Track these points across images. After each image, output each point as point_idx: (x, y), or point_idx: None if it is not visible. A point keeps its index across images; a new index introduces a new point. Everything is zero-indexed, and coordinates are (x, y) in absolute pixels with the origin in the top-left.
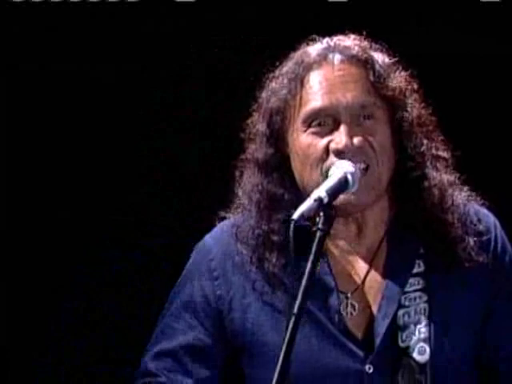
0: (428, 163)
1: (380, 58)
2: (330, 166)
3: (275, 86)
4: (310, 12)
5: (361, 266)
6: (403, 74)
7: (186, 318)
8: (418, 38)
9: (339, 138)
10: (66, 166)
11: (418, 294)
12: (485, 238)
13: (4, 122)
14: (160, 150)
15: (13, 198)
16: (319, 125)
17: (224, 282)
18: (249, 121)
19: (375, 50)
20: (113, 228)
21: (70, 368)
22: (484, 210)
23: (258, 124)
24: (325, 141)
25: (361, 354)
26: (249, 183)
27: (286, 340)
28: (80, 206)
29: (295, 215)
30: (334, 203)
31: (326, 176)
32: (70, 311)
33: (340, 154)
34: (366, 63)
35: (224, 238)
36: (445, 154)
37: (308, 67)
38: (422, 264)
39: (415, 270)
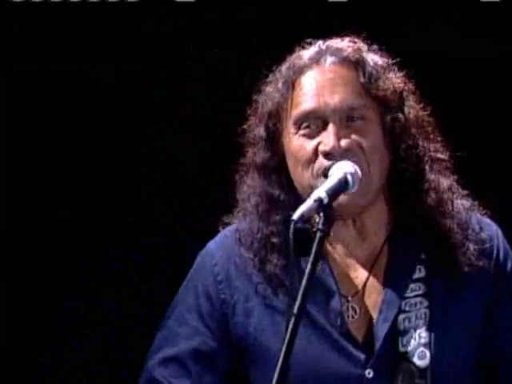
0: (425, 165)
1: (373, 59)
2: (319, 168)
3: (270, 90)
4: (310, 12)
5: (362, 270)
6: (398, 74)
7: (191, 322)
8: (417, 38)
9: (327, 140)
10: (66, 165)
11: (418, 299)
12: (487, 245)
13: (4, 121)
14: (160, 149)
15: (13, 198)
16: (309, 127)
17: (227, 286)
18: (246, 125)
19: (369, 52)
20: (113, 228)
21: (70, 368)
22: (487, 220)
23: (255, 128)
24: (314, 142)
25: (361, 357)
26: (248, 187)
27: (286, 340)
28: (80, 206)
29: (295, 215)
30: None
31: (317, 177)
32: (69, 311)
33: (328, 156)
34: (357, 65)
35: (227, 243)
36: (443, 156)
37: (299, 71)
38: (423, 269)
39: (416, 276)
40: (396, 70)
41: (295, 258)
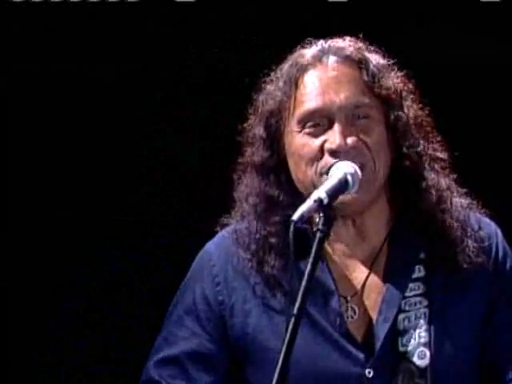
0: (425, 164)
1: (374, 58)
2: (324, 165)
3: (271, 89)
4: (310, 12)
5: (361, 270)
6: (399, 74)
7: (189, 324)
8: (417, 38)
9: (333, 138)
10: (66, 165)
11: (418, 298)
12: (486, 244)
13: (4, 121)
14: (160, 149)
15: (13, 198)
16: (314, 125)
17: (225, 287)
18: (246, 124)
19: (370, 52)
20: (113, 228)
21: (70, 368)
22: (485, 219)
23: (254, 127)
24: (319, 141)
25: (361, 357)
26: (247, 187)
27: (286, 341)
28: (80, 206)
29: (295, 216)
30: (333, 204)
31: (320, 175)
32: (70, 311)
33: (334, 154)
34: (359, 63)
35: (225, 244)
36: (442, 155)
37: (302, 69)
38: (422, 269)
39: (415, 275)
40: (396, 69)
41: (295, 259)
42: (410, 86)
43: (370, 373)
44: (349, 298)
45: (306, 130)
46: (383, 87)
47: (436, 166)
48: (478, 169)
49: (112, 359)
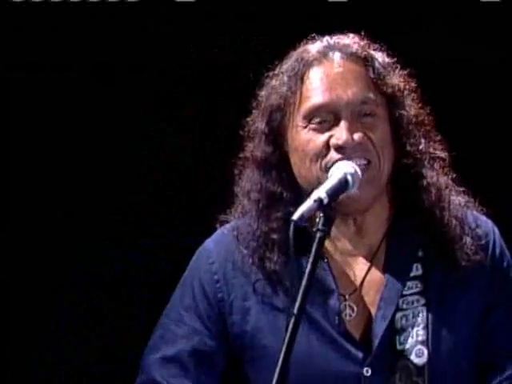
0: (425, 162)
1: (379, 56)
2: (329, 161)
3: (275, 84)
4: (309, 12)
5: (359, 268)
6: (401, 72)
7: (189, 321)
8: (417, 38)
9: (340, 134)
10: (66, 165)
11: (415, 297)
12: (483, 242)
13: (4, 121)
14: (160, 149)
15: (13, 198)
16: (319, 121)
17: (225, 284)
18: (248, 119)
19: (374, 49)
20: (113, 228)
21: (70, 368)
22: (482, 217)
23: (257, 122)
24: (325, 136)
25: (359, 356)
26: (248, 182)
27: (286, 340)
28: (80, 206)
29: (295, 216)
30: (337, 201)
31: (326, 171)
32: (69, 311)
33: (340, 150)
34: (365, 61)
35: (224, 241)
36: (442, 155)
37: (308, 64)
38: (420, 267)
39: (413, 273)
40: (398, 68)
41: (295, 258)
42: (412, 84)
43: (368, 371)
44: (347, 296)
45: (312, 126)
46: (388, 85)
47: (435, 165)
48: (475, 167)
49: (112, 359)
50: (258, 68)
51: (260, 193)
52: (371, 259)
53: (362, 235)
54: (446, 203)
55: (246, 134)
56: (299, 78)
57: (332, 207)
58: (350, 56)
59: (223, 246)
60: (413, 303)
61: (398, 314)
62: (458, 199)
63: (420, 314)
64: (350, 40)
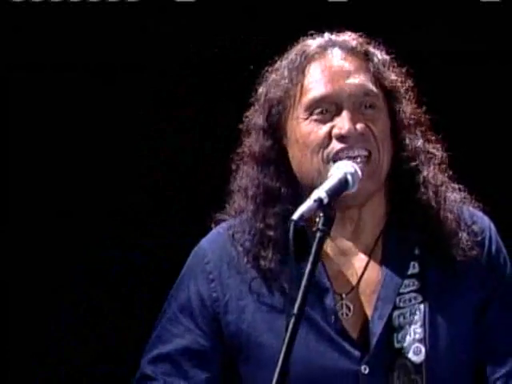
0: (422, 159)
1: (378, 52)
2: (331, 151)
3: (275, 78)
4: (310, 12)
5: (356, 267)
6: (399, 70)
7: (184, 321)
8: (417, 38)
9: (342, 124)
10: (66, 165)
11: (413, 295)
12: (479, 238)
13: (4, 121)
14: (160, 149)
15: (13, 198)
16: (321, 112)
17: (220, 284)
18: (247, 113)
19: (373, 47)
20: (113, 228)
21: (70, 368)
22: (479, 213)
23: (256, 117)
24: (327, 127)
25: (356, 354)
26: (245, 178)
27: (287, 340)
28: (80, 206)
29: (295, 216)
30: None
31: (327, 162)
32: (70, 311)
33: (343, 139)
34: (365, 55)
35: (220, 240)
36: (438, 153)
37: (309, 57)
38: (417, 265)
39: (410, 271)
40: (396, 65)
41: (295, 258)
42: (409, 83)
43: (365, 369)
44: (344, 296)
45: (314, 117)
46: (387, 80)
47: (432, 162)
48: (472, 164)
49: (112, 359)
50: (258, 68)
51: (257, 188)
52: (368, 258)
53: (358, 233)
54: (443, 199)
55: (244, 128)
56: (300, 70)
57: (332, 207)
58: (350, 50)
59: (218, 245)
60: (410, 301)
61: (396, 313)
62: (454, 196)
63: (417, 312)
64: (350, 37)
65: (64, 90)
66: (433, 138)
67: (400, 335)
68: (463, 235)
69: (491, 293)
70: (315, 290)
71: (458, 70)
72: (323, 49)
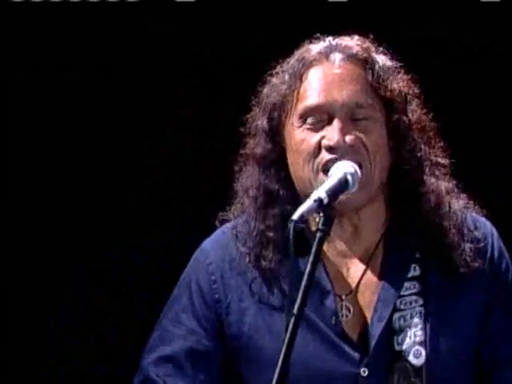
0: (426, 169)
1: (381, 59)
2: (321, 161)
3: (276, 82)
4: (310, 12)
5: (356, 269)
6: (405, 77)
7: (186, 322)
8: (417, 38)
9: (331, 135)
10: (66, 165)
11: (413, 297)
12: (482, 244)
13: (4, 121)
14: (160, 149)
15: (13, 198)
16: (314, 121)
17: (222, 285)
18: (249, 116)
19: (377, 52)
20: (113, 228)
21: (70, 368)
22: (482, 219)
23: (257, 119)
24: (318, 137)
25: (356, 356)
26: (247, 179)
27: (286, 341)
28: (80, 206)
29: (295, 216)
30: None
31: (317, 173)
32: (69, 311)
33: (331, 151)
34: (365, 63)
35: (223, 241)
36: (444, 161)
37: (308, 64)
38: (418, 268)
39: (411, 274)
40: (402, 72)
41: (294, 258)
42: (416, 89)
43: (365, 372)
44: (343, 297)
45: (306, 126)
46: (387, 89)
47: (436, 172)
48: (476, 169)
49: (112, 359)
50: (257, 68)
51: (258, 190)
52: (368, 260)
53: (358, 236)
54: (446, 209)
55: (246, 130)
56: (298, 77)
57: (332, 207)
58: (351, 57)
59: (221, 245)
60: (411, 304)
61: (396, 315)
62: (457, 204)
63: (418, 315)
64: (353, 41)
65: (64, 90)
66: (439, 146)
67: (400, 338)
68: (466, 246)
69: (493, 299)
70: (316, 292)
71: (458, 70)
72: (323, 55)
